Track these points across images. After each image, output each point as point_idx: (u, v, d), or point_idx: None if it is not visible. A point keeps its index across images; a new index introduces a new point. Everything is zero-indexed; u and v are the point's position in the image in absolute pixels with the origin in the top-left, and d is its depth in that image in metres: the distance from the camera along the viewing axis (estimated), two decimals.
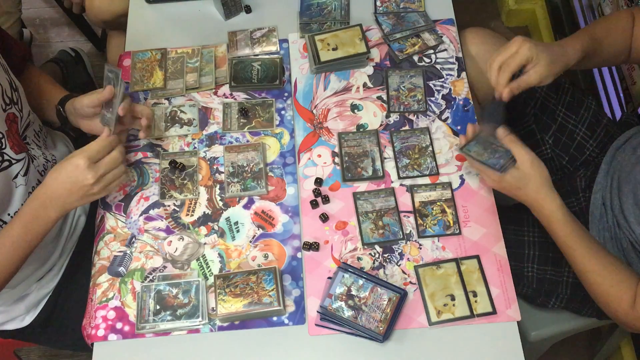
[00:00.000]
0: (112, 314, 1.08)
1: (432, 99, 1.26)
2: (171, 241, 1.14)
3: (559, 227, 1.04)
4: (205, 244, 1.13)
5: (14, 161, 1.07)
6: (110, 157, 1.04)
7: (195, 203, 1.17)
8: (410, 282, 1.08)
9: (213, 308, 1.06)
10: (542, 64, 1.05)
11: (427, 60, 1.31)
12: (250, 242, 1.13)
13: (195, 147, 1.23)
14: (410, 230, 1.13)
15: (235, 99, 1.28)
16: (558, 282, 1.23)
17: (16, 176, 1.08)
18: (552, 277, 1.24)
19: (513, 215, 1.25)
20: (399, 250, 1.11)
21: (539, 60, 1.05)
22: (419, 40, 1.32)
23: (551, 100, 1.34)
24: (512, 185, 1.06)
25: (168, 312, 1.05)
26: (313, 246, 1.11)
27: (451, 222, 1.13)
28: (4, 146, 1.05)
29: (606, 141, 1.32)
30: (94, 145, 1.04)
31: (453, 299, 1.06)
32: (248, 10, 1.40)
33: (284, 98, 1.28)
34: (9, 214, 1.08)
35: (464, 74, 1.29)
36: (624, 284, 1.00)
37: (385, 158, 1.20)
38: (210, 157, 1.22)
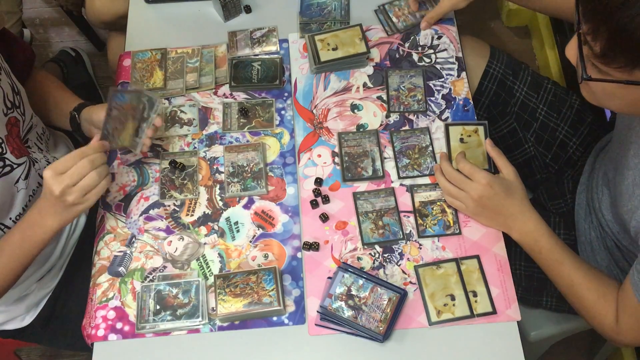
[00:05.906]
0: (112, 314, 1.08)
1: (432, 99, 1.26)
2: (171, 241, 1.14)
3: (545, 239, 1.05)
4: (205, 244, 1.13)
5: (15, 166, 1.07)
6: (76, 167, 0.97)
7: (195, 203, 1.17)
8: (410, 282, 1.08)
9: (213, 308, 1.06)
10: None
11: (427, 60, 1.31)
12: (250, 242, 1.13)
13: (195, 147, 1.23)
14: (410, 230, 1.13)
15: (235, 99, 1.28)
16: (546, 279, 1.24)
17: (17, 181, 1.08)
18: (540, 274, 1.24)
19: None
20: (399, 250, 1.11)
21: None
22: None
23: (532, 100, 1.35)
24: (501, 191, 1.05)
25: (168, 312, 1.05)
26: (313, 246, 1.11)
27: (451, 222, 1.13)
28: (4, 151, 1.05)
29: (590, 140, 1.33)
30: (62, 158, 0.98)
31: (453, 298, 1.06)
32: (248, 10, 1.40)
33: (284, 98, 1.28)
34: (10, 218, 1.08)
35: (464, 74, 1.29)
36: (608, 297, 1.00)
37: (385, 158, 1.20)
38: (210, 157, 1.22)
